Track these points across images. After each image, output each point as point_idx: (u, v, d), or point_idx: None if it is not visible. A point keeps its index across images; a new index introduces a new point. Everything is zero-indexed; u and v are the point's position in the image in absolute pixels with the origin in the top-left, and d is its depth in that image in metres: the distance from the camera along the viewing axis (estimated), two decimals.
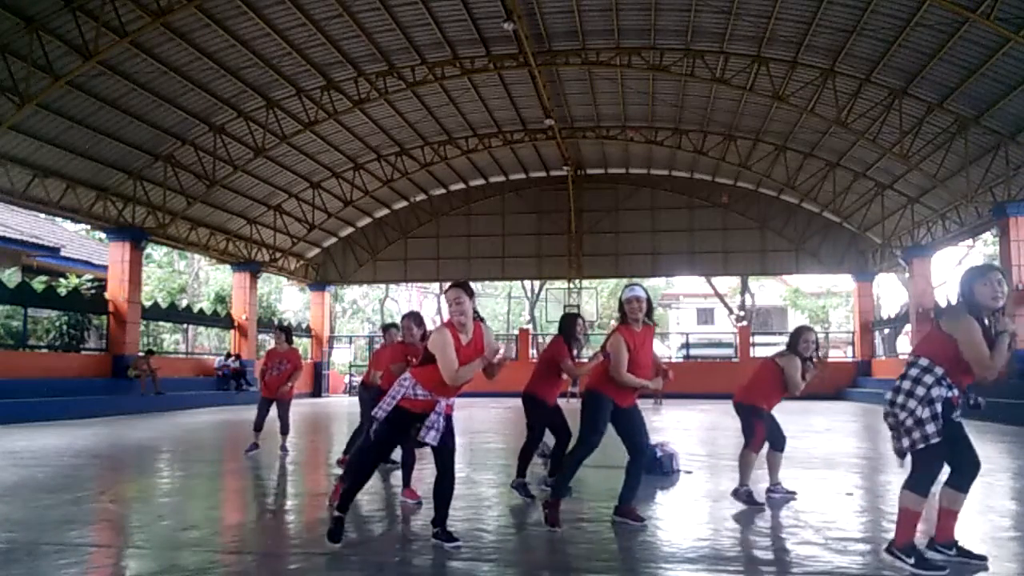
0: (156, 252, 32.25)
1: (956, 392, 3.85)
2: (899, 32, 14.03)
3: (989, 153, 16.42)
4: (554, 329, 7.88)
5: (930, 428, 3.77)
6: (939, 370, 3.84)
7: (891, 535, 3.99)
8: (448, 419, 4.40)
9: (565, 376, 6.18)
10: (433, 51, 16.90)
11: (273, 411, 9.02)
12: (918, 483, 3.85)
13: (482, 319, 4.52)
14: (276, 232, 24.33)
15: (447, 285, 4.49)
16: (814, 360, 5.79)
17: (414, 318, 6.13)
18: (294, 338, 11.14)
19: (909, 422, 3.83)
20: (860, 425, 14.14)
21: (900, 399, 3.90)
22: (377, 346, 8.81)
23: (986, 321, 3.81)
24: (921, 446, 3.80)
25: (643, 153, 24.20)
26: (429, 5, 14.93)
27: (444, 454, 4.40)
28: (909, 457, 3.92)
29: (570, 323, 6.24)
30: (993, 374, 3.75)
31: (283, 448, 9.02)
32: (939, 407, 3.78)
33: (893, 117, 16.48)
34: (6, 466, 7.86)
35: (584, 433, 4.99)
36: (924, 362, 3.91)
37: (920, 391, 3.83)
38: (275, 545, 4.70)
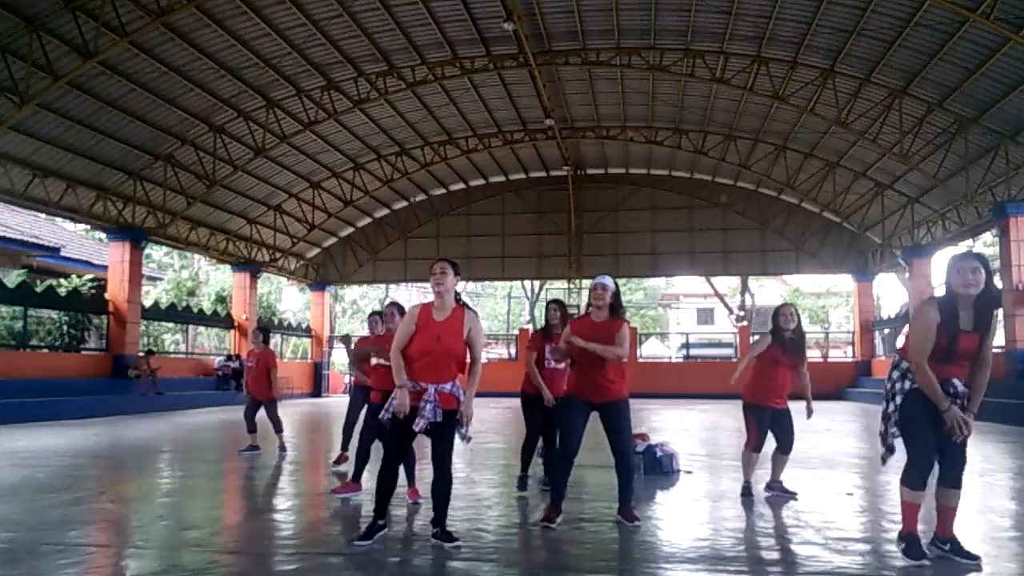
0: (156, 252, 32.17)
1: None
2: (899, 32, 14.03)
3: (989, 153, 16.42)
4: None
5: (896, 420, 3.98)
6: (904, 364, 3.99)
7: (891, 535, 4.05)
8: (447, 413, 4.33)
9: (561, 366, 5.93)
10: (433, 51, 16.90)
11: (262, 412, 9.01)
12: (907, 474, 3.97)
13: (467, 306, 4.49)
14: (276, 232, 24.33)
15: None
16: (793, 336, 5.80)
17: (397, 307, 6.12)
18: (295, 339, 11.14)
19: (886, 420, 4.05)
20: (860, 425, 14.13)
21: (883, 402, 4.14)
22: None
23: (960, 311, 3.83)
24: (896, 439, 4.00)
25: (643, 153, 24.19)
26: (429, 5, 14.93)
27: (438, 451, 4.38)
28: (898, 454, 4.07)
29: (545, 311, 6.39)
30: (915, 369, 3.82)
31: (282, 448, 9.00)
32: (899, 400, 3.96)
33: (893, 117, 16.48)
34: (6, 466, 7.86)
35: (560, 440, 5.03)
36: (895, 358, 4.11)
37: (888, 386, 4.05)
38: (275, 545, 4.70)
